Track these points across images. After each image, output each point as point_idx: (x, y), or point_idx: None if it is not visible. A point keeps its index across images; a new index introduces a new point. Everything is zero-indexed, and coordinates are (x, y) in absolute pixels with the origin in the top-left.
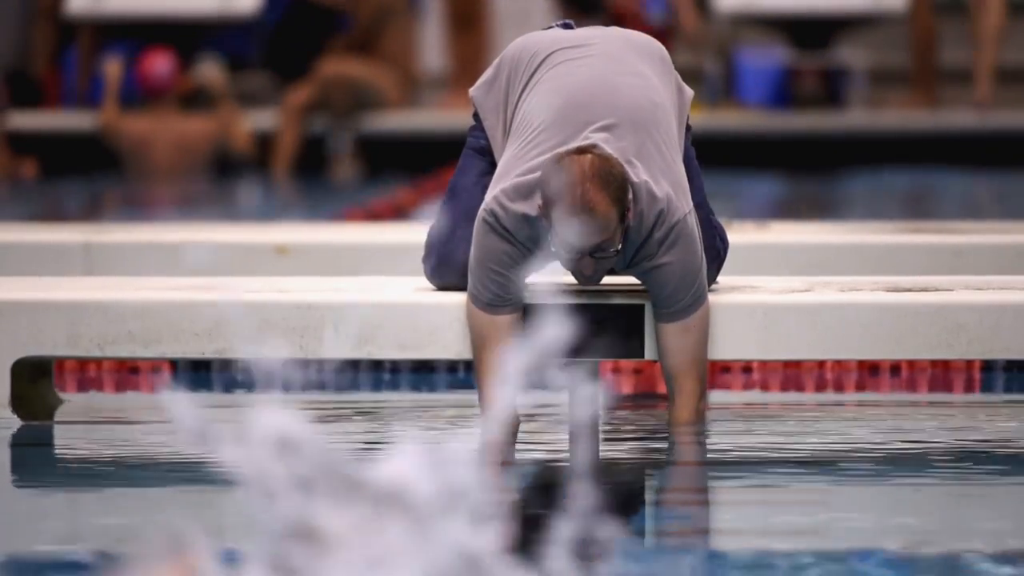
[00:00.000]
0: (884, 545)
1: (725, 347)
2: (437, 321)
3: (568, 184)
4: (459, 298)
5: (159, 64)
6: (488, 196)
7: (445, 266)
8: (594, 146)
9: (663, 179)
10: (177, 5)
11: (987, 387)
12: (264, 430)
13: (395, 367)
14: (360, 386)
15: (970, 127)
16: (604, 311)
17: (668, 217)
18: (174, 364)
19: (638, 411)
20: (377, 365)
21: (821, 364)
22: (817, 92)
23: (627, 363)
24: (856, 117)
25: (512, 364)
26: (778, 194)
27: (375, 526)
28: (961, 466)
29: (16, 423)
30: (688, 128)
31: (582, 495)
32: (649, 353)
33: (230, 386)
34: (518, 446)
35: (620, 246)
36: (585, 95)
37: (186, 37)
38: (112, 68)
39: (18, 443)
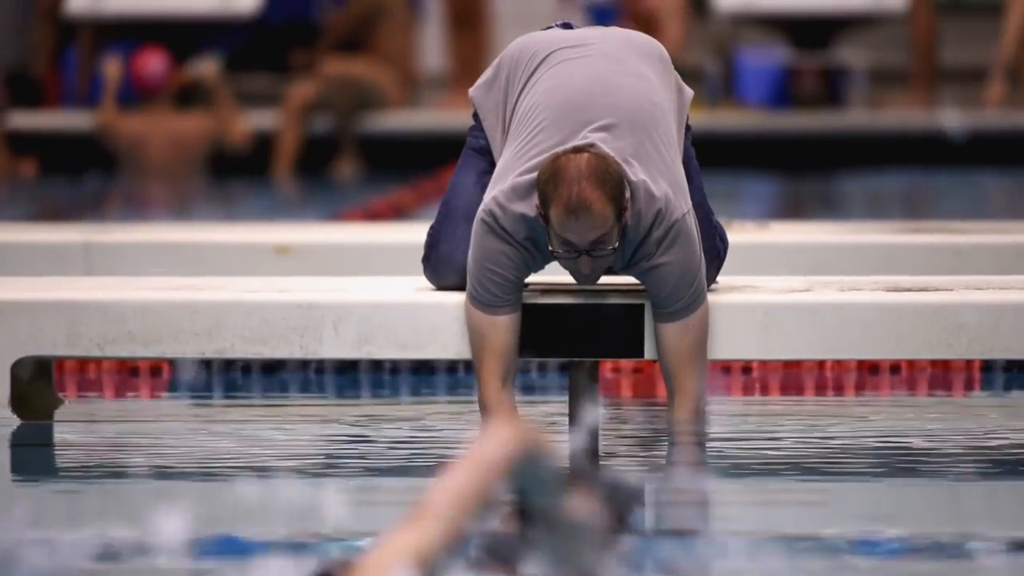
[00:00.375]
0: (884, 545)
1: (725, 347)
2: (437, 321)
3: (565, 182)
4: (459, 298)
5: (152, 63)
6: (487, 196)
7: (445, 266)
8: (591, 145)
9: (661, 179)
10: (177, 5)
11: (987, 387)
12: None
13: (395, 367)
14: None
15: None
16: (604, 311)
17: (666, 216)
18: (173, 364)
19: (638, 411)
20: (377, 365)
21: (821, 364)
22: (817, 92)
23: (627, 363)
24: (856, 117)
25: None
26: (778, 194)
27: None
28: (961, 466)
29: (16, 423)
30: (688, 128)
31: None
32: (649, 353)
33: (230, 386)
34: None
35: (617, 244)
36: (584, 95)
37: (186, 37)
38: (111, 68)
39: (18, 443)
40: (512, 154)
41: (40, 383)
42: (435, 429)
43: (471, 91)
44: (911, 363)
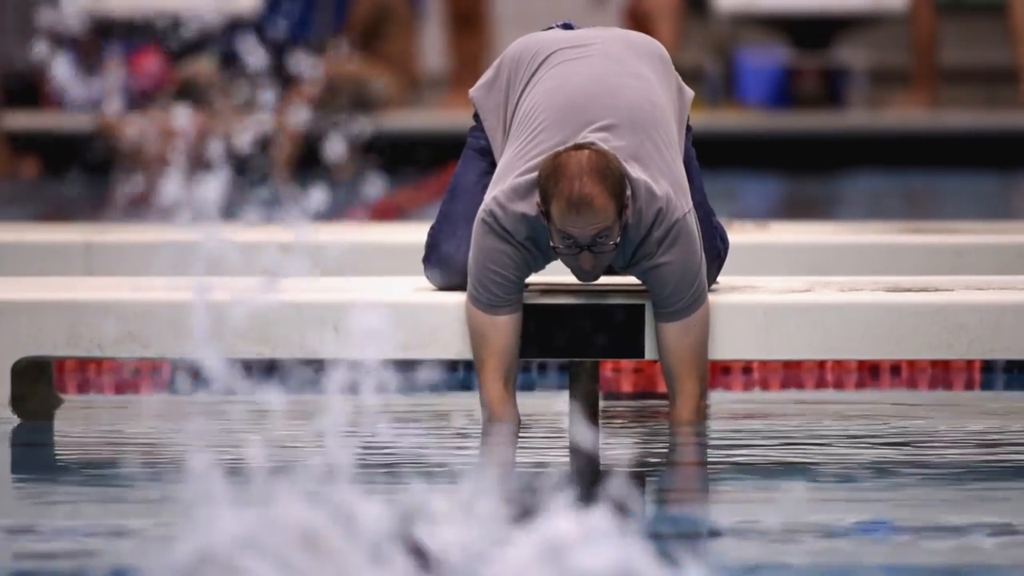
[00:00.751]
0: (884, 544)
1: (725, 347)
2: (437, 321)
3: (566, 177)
4: (459, 298)
5: (149, 64)
6: (487, 197)
7: (445, 266)
8: (592, 143)
9: (662, 179)
10: (177, 5)
11: (987, 387)
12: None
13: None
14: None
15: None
16: (604, 311)
17: (667, 216)
18: (174, 364)
19: (638, 411)
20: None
21: (821, 364)
22: (817, 92)
23: (627, 363)
24: (856, 117)
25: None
26: (778, 194)
27: None
28: (961, 466)
29: (16, 423)
30: (688, 128)
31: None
32: (649, 353)
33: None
34: (519, 449)
35: (619, 239)
36: (584, 96)
37: (186, 37)
38: (111, 68)
39: (18, 443)
40: (513, 154)
41: (40, 383)
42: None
43: (472, 92)
44: (911, 363)
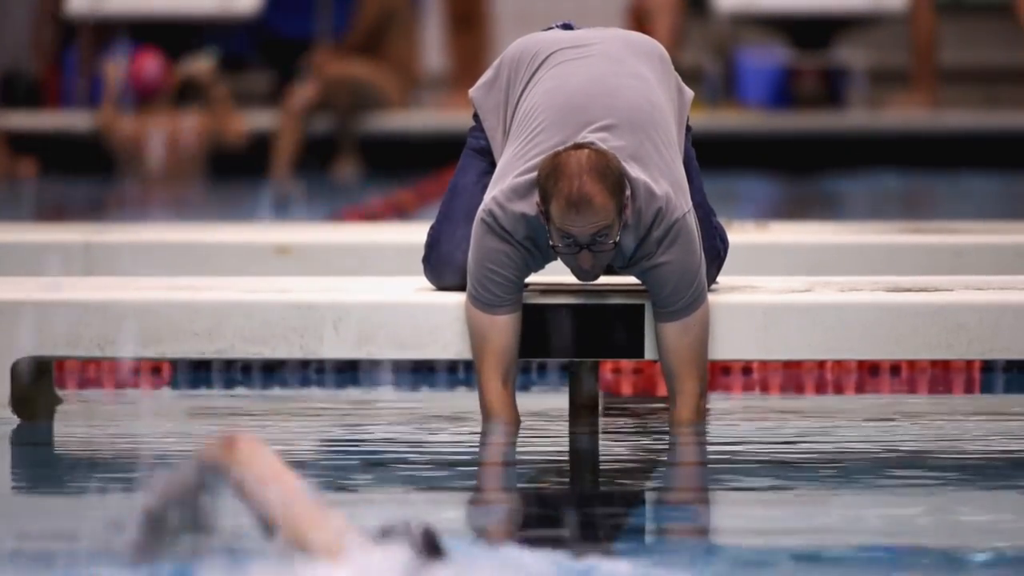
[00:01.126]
0: (884, 544)
1: (725, 347)
2: (437, 321)
3: (566, 176)
4: (459, 298)
5: (149, 65)
6: (487, 196)
7: (445, 266)
8: (591, 143)
9: (662, 178)
10: (177, 5)
11: (987, 387)
12: None
13: (395, 367)
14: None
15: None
16: (604, 311)
17: (667, 216)
18: (174, 364)
19: (638, 411)
20: (376, 365)
21: (821, 364)
22: (817, 92)
23: (627, 363)
24: (856, 117)
25: None
26: (778, 194)
27: None
28: (961, 466)
29: (16, 423)
30: (688, 129)
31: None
32: (649, 353)
33: (230, 386)
34: (519, 446)
35: (618, 239)
36: (584, 96)
37: (186, 37)
38: (112, 68)
39: (18, 443)
40: (512, 154)
41: (40, 383)
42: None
43: (471, 92)
44: (911, 363)
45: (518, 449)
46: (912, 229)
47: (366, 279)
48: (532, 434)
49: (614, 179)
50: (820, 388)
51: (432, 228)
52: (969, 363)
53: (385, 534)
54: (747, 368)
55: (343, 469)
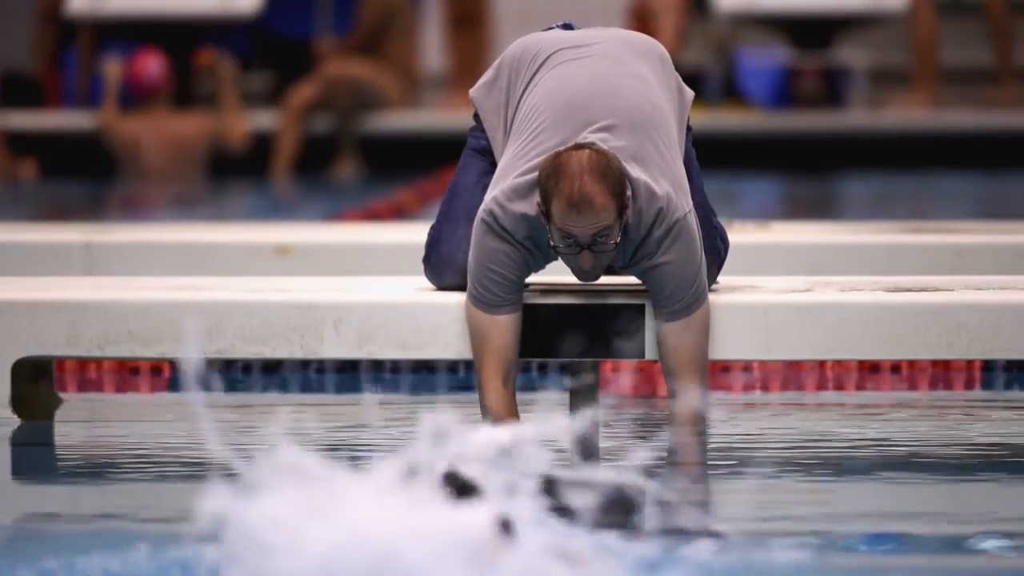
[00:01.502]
0: (884, 542)
1: (725, 347)
2: (437, 321)
3: (567, 176)
4: (459, 298)
5: (150, 65)
6: (487, 196)
7: (445, 266)
8: (592, 143)
9: (662, 179)
10: (177, 5)
11: (987, 387)
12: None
13: (395, 367)
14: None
15: (971, 127)
16: (604, 311)
17: (668, 216)
18: (174, 364)
19: (638, 411)
20: (377, 365)
21: (821, 364)
22: (817, 92)
23: (627, 363)
24: (856, 117)
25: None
26: (778, 194)
27: None
28: (961, 465)
29: (16, 423)
30: (688, 129)
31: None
32: (649, 353)
33: (230, 386)
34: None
35: (619, 239)
36: (584, 96)
37: (185, 37)
38: (112, 68)
39: (18, 443)
40: (513, 154)
41: (40, 383)
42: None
43: (472, 92)
44: (911, 363)
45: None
46: (912, 229)
47: (366, 279)
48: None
49: (615, 179)
50: (820, 388)
51: (432, 228)
52: (969, 363)
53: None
54: (747, 368)
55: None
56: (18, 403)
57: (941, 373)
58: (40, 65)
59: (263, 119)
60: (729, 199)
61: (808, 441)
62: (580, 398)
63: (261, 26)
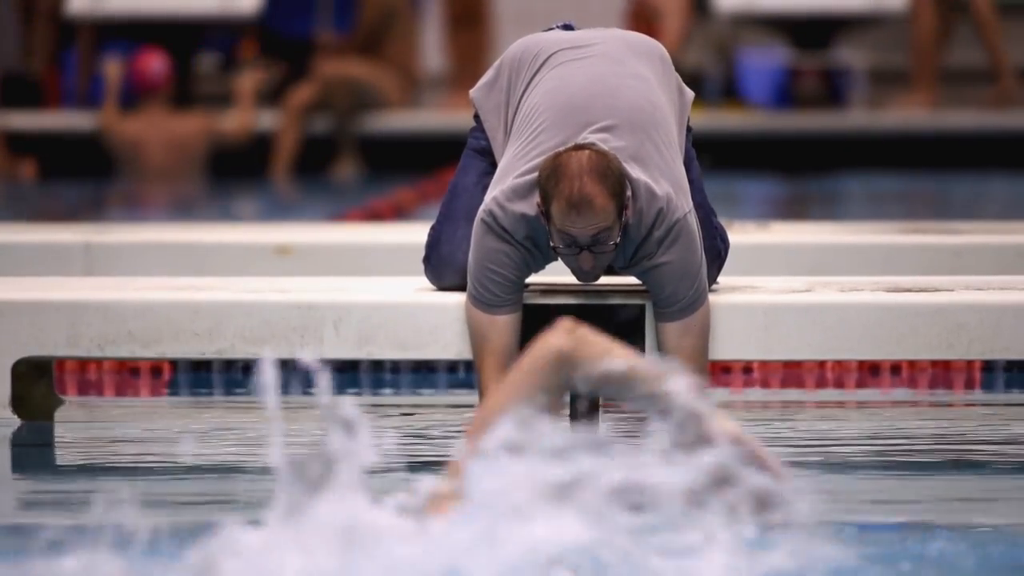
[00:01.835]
0: (885, 543)
1: (725, 347)
2: (437, 321)
3: (566, 177)
4: (459, 298)
5: (153, 63)
6: (487, 197)
7: (445, 266)
8: (592, 144)
9: (663, 179)
10: (177, 5)
11: (987, 387)
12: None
13: (395, 367)
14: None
15: (971, 127)
16: (604, 311)
17: (668, 216)
18: (174, 364)
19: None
20: (377, 365)
21: (821, 364)
22: (817, 92)
23: None
24: (856, 117)
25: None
26: (778, 194)
27: None
28: (961, 465)
29: (16, 423)
30: (688, 129)
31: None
32: (649, 353)
33: (230, 386)
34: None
35: (619, 239)
36: (584, 96)
37: (185, 37)
38: (112, 69)
39: (18, 443)
40: (513, 155)
41: (40, 383)
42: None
43: (472, 92)
44: (911, 363)
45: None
46: (912, 229)
47: (366, 279)
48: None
49: (615, 180)
50: (820, 387)
51: (432, 228)
52: (969, 363)
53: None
54: (747, 368)
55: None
56: (18, 403)
57: (941, 373)
58: (40, 65)
59: (263, 119)
60: (729, 199)
61: (808, 441)
62: (580, 397)
63: (261, 26)
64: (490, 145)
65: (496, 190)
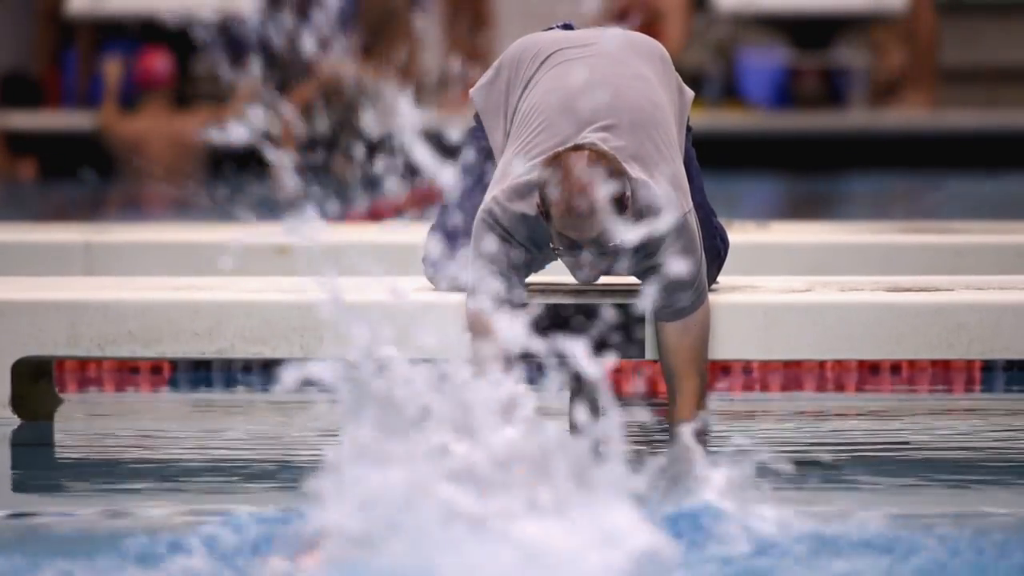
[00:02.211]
0: (884, 542)
1: (725, 347)
2: (437, 321)
3: (565, 179)
4: (459, 298)
5: (158, 61)
6: (487, 196)
7: (445, 265)
8: (592, 144)
9: (663, 178)
10: (177, 5)
11: (987, 387)
12: None
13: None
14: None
15: (971, 127)
16: (604, 311)
17: (667, 215)
18: (174, 364)
19: (638, 411)
20: None
21: (821, 364)
22: (817, 92)
23: (627, 363)
24: (856, 117)
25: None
26: (778, 194)
27: None
28: (961, 465)
29: (16, 423)
30: (688, 129)
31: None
32: (649, 353)
33: (230, 386)
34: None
35: (618, 240)
36: (584, 96)
37: (185, 37)
38: (112, 68)
39: (18, 443)
40: (512, 154)
41: (40, 383)
42: None
43: (472, 92)
44: (911, 363)
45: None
46: (912, 229)
47: (366, 279)
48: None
49: (614, 180)
50: (820, 387)
51: (432, 228)
52: (969, 363)
53: None
54: (747, 368)
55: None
56: (18, 403)
57: (941, 373)
58: (40, 65)
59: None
60: (729, 199)
61: (808, 440)
62: (579, 398)
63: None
64: (490, 145)
65: (496, 190)
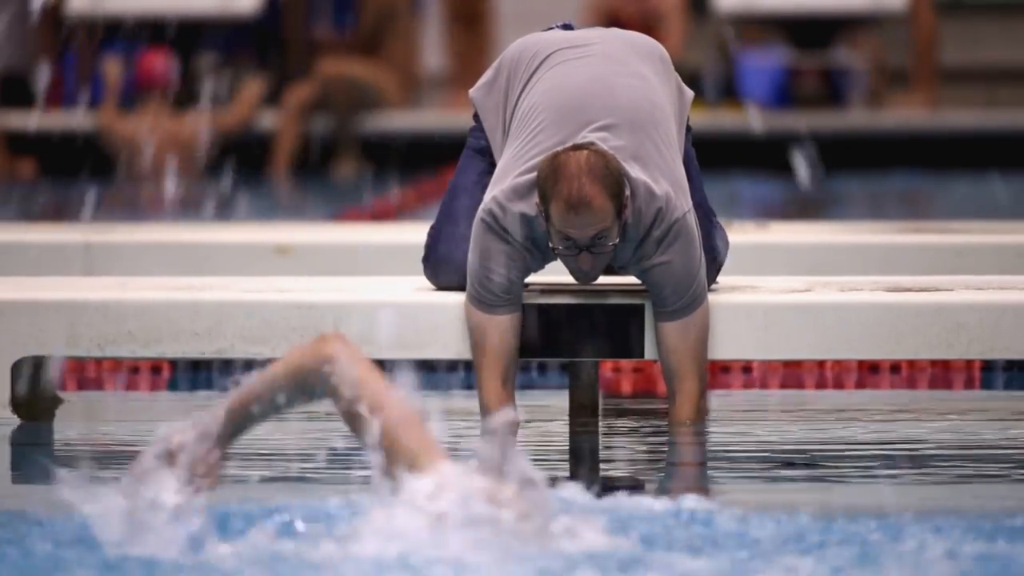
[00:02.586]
0: (885, 542)
1: (725, 347)
2: (437, 321)
3: (565, 178)
4: (459, 298)
5: (160, 62)
6: (487, 196)
7: (445, 266)
8: (591, 143)
9: (662, 178)
10: (177, 5)
11: (987, 386)
12: None
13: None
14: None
15: (971, 127)
16: (604, 311)
17: (667, 215)
18: (174, 364)
19: (638, 411)
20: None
21: (821, 363)
22: (817, 92)
23: (627, 363)
24: (856, 117)
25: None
26: (778, 194)
27: None
28: (961, 465)
29: (16, 423)
30: (688, 129)
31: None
32: (649, 353)
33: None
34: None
35: (618, 240)
36: (584, 95)
37: (185, 37)
38: (111, 68)
39: (18, 443)
40: (512, 154)
41: (40, 383)
42: None
43: (471, 92)
44: (911, 363)
45: (518, 449)
46: (912, 229)
47: (366, 279)
48: (532, 434)
49: (613, 180)
50: (820, 387)
51: (432, 228)
52: (969, 363)
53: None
54: (747, 368)
55: (338, 465)
56: (18, 403)
57: (941, 373)
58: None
59: (263, 119)
60: (729, 199)
61: (808, 440)
62: (580, 397)
63: (261, 26)
64: (489, 145)
65: (496, 190)
